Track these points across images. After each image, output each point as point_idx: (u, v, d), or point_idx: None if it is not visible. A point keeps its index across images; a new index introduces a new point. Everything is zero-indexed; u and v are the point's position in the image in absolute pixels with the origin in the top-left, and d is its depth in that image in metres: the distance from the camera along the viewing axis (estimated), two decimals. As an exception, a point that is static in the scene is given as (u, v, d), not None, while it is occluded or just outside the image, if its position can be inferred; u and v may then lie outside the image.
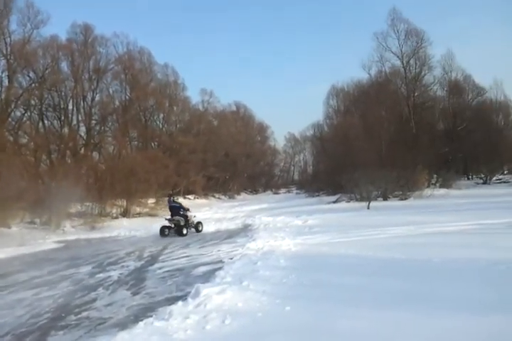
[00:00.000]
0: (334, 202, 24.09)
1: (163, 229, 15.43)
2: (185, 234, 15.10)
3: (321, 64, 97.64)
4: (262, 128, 62.09)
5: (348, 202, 23.00)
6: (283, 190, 55.20)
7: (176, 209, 15.92)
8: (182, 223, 15.40)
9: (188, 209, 16.24)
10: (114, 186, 22.21)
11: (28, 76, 27.58)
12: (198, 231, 15.91)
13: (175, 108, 40.54)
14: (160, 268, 8.97)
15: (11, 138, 24.97)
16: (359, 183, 21.00)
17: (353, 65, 68.09)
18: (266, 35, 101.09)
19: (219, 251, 10.53)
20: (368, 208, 18.72)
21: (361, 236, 10.36)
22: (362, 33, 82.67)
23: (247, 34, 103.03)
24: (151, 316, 5.29)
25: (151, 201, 25.26)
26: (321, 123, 51.61)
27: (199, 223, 16.31)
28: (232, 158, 46.86)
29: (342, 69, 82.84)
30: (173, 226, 15.49)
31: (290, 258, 8.19)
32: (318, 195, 32.12)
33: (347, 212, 17.53)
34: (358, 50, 73.35)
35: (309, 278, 6.40)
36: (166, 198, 19.98)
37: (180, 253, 10.82)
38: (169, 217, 15.83)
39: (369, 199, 19.74)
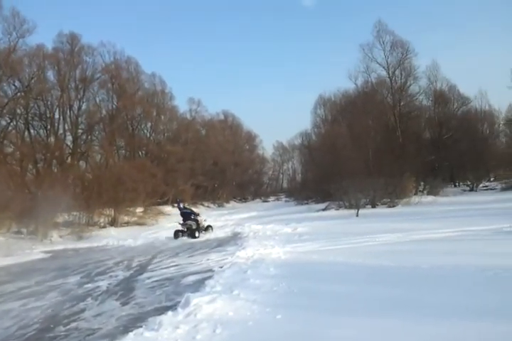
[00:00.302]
0: (323, 209, 24.19)
1: (177, 232, 16.63)
2: (198, 237, 16.33)
3: (309, 73, 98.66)
4: (250, 137, 62.29)
5: (337, 209, 23.11)
6: (272, 198, 55.29)
7: (188, 215, 17.26)
8: (194, 227, 16.75)
9: (198, 214, 17.65)
10: (101, 195, 22.08)
11: (14, 85, 27.43)
12: (206, 231, 17.37)
13: (162, 117, 40.58)
14: (149, 278, 8.88)
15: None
16: (348, 191, 21.14)
17: (340, 75, 68.94)
18: (254, 45, 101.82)
19: (208, 259, 10.46)
20: (357, 215, 18.81)
21: (350, 244, 10.40)
22: (349, 43, 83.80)
23: (235, 43, 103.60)
24: (141, 326, 5.23)
25: (139, 210, 25.13)
26: (309, 132, 52.11)
27: (209, 226, 17.89)
28: (221, 166, 46.88)
29: (329, 78, 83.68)
30: (185, 230, 16.73)
31: (280, 266, 8.18)
32: (307, 203, 32.19)
33: (336, 220, 17.60)
34: (345, 60, 74.19)
35: (299, 286, 6.39)
36: (175, 205, 21.48)
37: (169, 263, 10.73)
38: (182, 222, 17.09)
39: (358, 207, 19.83)
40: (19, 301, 7.53)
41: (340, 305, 5.29)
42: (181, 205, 18.32)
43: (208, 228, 17.72)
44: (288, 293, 6.07)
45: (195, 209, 19.24)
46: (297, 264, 8.36)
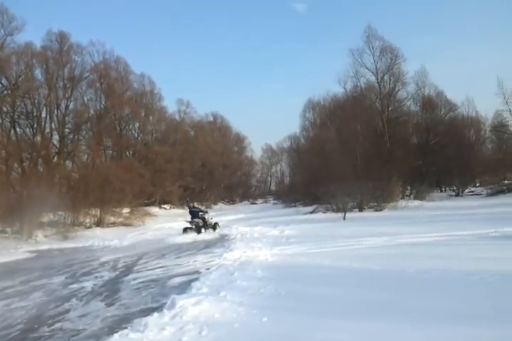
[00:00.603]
0: (311, 212, 24.31)
1: (185, 229, 17.99)
2: (203, 232, 17.73)
3: (299, 76, 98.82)
4: (239, 139, 62.32)
5: (325, 212, 23.23)
6: (260, 201, 55.24)
7: (196, 213, 18.80)
8: (200, 224, 18.26)
9: (206, 212, 19.49)
10: (87, 195, 21.90)
11: (1, 83, 27.00)
12: (214, 229, 18.65)
13: (151, 117, 40.33)
14: (135, 279, 8.83)
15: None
16: (335, 194, 21.24)
17: (329, 78, 69.49)
18: (244, 47, 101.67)
19: (195, 261, 10.42)
20: (344, 219, 18.91)
21: (337, 247, 10.44)
22: (339, 46, 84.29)
23: (225, 45, 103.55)
24: (126, 328, 5.19)
25: (125, 211, 24.96)
26: (298, 135, 52.33)
27: (216, 224, 19.28)
28: (209, 168, 46.82)
29: (319, 81, 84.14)
30: (193, 227, 18.00)
31: (267, 268, 8.17)
32: (295, 206, 32.37)
33: (323, 223, 17.68)
34: (336, 64, 74.72)
35: (286, 288, 6.39)
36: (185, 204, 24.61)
37: (155, 264, 10.68)
38: (190, 219, 18.46)
39: (345, 210, 19.95)
40: (3, 301, 7.44)
41: (326, 307, 5.29)
42: (190, 205, 20.34)
43: (215, 225, 19.12)
44: (275, 296, 6.07)
45: (203, 208, 21.29)
46: (284, 267, 8.36)
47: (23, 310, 6.73)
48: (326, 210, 23.49)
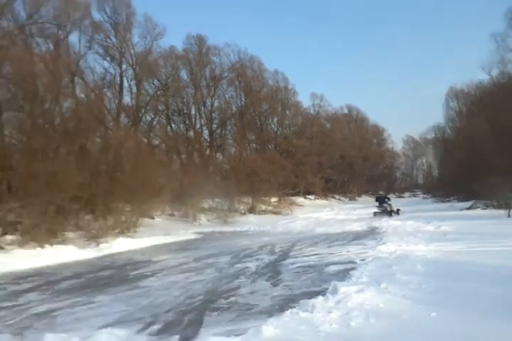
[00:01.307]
0: (468, 208, 22.78)
1: (375, 213, 21.44)
2: (392, 216, 20.51)
3: (436, 65, 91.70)
4: (377, 131, 60.63)
5: (484, 209, 21.36)
6: (407, 194, 53.18)
7: (382, 199, 22.35)
8: (388, 209, 21.57)
9: (389, 199, 22.79)
10: (238, 185, 23.46)
11: (153, 84, 30.26)
12: (397, 214, 21.47)
13: (287, 112, 41.74)
14: (292, 264, 9.24)
15: (145, 140, 27.41)
16: (496, 190, 19.29)
17: (470, 65, 62.72)
18: (383, 36, 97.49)
19: (348, 251, 10.51)
20: (509, 216, 17.11)
21: (502, 247, 9.50)
22: (482, 31, 75.98)
23: (356, 37, 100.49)
24: (295, 307, 5.43)
25: (273, 200, 26.31)
26: (443, 125, 48.82)
27: (398, 209, 22.19)
28: (348, 160, 46.64)
29: (458, 70, 76.88)
30: (381, 211, 21.31)
31: (427, 264, 7.85)
32: (448, 201, 30.91)
33: (483, 220, 16.23)
34: (476, 50, 67.25)
35: (450, 286, 6.09)
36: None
37: (309, 251, 11.02)
38: (377, 205, 22.13)
39: (509, 207, 17.98)
40: (182, 274, 8.47)
41: (501, 310, 4.85)
42: (380, 192, 23.60)
43: (398, 211, 21.92)
44: (438, 292, 5.82)
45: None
46: (445, 264, 7.93)
47: (200, 284, 7.53)
48: (486, 206, 21.54)
